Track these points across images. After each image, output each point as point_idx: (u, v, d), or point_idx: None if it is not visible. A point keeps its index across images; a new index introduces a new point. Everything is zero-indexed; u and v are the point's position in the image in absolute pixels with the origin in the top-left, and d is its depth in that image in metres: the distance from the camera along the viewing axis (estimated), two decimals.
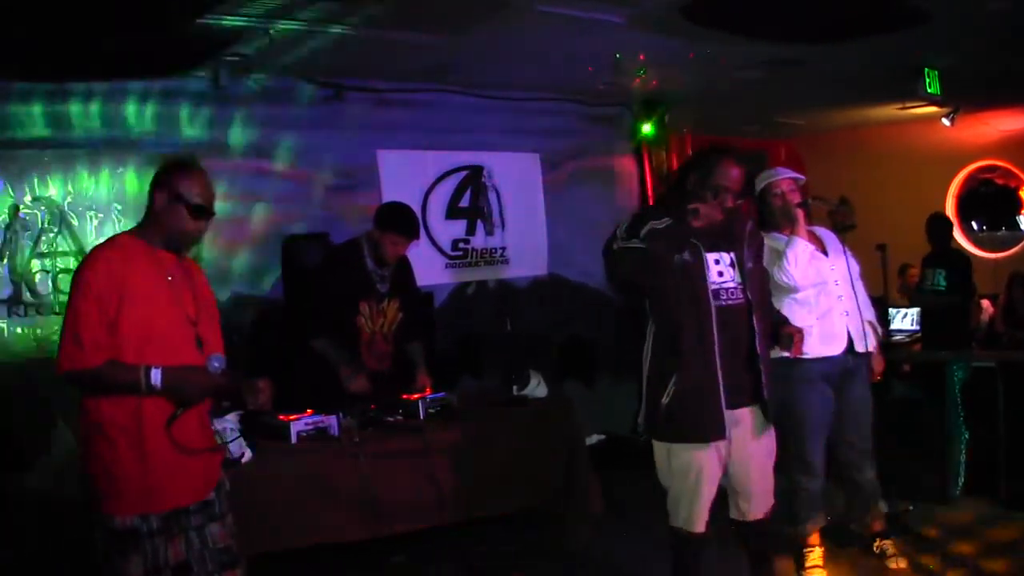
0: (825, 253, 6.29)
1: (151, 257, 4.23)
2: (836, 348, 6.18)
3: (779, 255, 6.09)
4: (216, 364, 4.20)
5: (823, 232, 6.47)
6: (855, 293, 6.27)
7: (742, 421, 5.12)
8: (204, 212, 4.33)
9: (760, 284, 5.31)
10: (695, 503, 5.09)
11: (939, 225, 10.02)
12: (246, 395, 4.45)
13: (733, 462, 5.15)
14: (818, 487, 6.29)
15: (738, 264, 5.15)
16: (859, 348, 6.22)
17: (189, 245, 4.44)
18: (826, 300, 6.19)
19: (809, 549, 6.32)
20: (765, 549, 5.48)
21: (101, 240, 4.53)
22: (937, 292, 9.66)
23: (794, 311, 6.03)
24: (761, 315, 5.17)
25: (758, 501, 5.28)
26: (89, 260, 4.14)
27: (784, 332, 5.36)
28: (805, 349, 5.73)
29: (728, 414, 5.02)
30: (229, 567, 4.39)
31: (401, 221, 6.72)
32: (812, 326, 6.04)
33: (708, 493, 5.11)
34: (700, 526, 5.13)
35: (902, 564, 6.40)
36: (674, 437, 5.10)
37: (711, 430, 5.01)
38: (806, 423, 6.15)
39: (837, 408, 6.25)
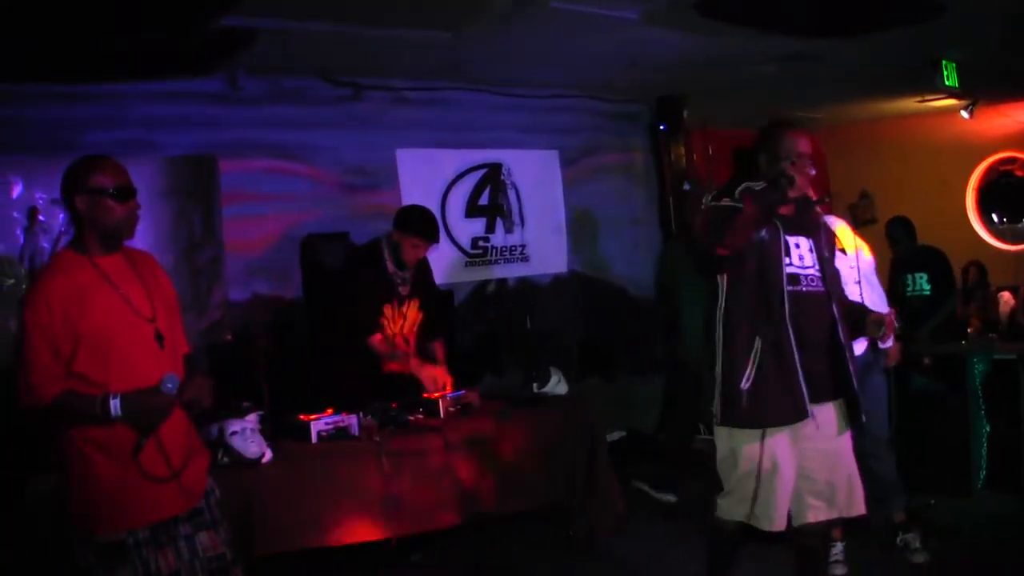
0: (843, 249, 6.22)
1: (93, 270, 4.13)
2: (859, 346, 6.14)
3: None
4: (169, 386, 4.03)
5: (838, 225, 6.45)
6: (871, 288, 6.26)
7: (820, 417, 4.92)
8: (128, 193, 4.24)
9: (835, 275, 5.14)
10: (771, 496, 4.88)
11: (905, 226, 9.73)
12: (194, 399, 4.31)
13: (811, 459, 4.96)
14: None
15: (816, 250, 5.01)
16: (882, 345, 6.26)
17: (127, 232, 4.28)
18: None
19: (831, 544, 6.31)
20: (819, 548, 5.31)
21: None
22: (923, 296, 9.39)
23: None
24: (840, 304, 5.03)
25: (845, 497, 5.05)
26: (32, 292, 4.07)
27: (872, 319, 5.07)
28: None
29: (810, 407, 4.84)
30: (221, 574, 4.34)
31: (421, 224, 6.71)
32: None
33: (787, 486, 4.91)
34: (780, 523, 4.93)
35: (924, 558, 6.40)
36: (756, 422, 4.87)
37: (793, 412, 4.82)
38: None
39: None
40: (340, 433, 5.91)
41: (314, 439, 5.82)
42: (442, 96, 9.44)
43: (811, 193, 5.01)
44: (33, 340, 3.96)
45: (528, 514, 6.64)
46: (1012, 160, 13.10)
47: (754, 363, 4.83)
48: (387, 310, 6.69)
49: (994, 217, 13.39)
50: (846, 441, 5.06)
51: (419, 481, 5.88)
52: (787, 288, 4.84)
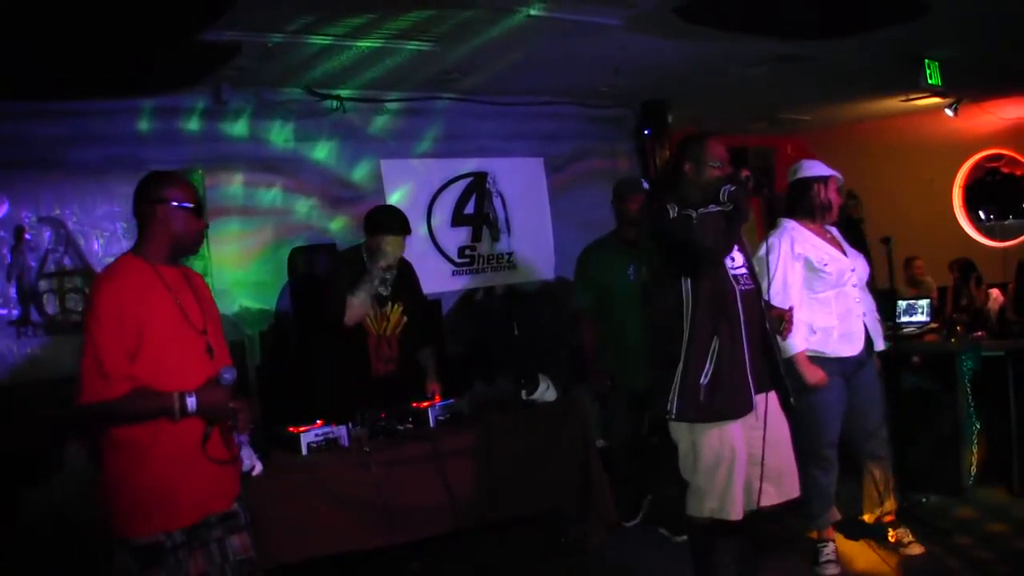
0: (844, 253, 6.35)
1: (156, 277, 4.28)
2: (855, 348, 6.27)
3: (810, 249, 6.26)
4: (227, 376, 4.26)
5: (835, 231, 6.52)
6: (866, 294, 6.38)
7: (767, 404, 5.21)
8: (202, 211, 4.46)
9: (755, 272, 5.44)
10: (730, 486, 5.13)
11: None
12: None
13: (767, 445, 5.18)
14: (832, 481, 6.35)
15: (743, 251, 5.35)
16: (878, 347, 6.39)
17: (197, 247, 4.56)
18: (844, 301, 6.27)
19: (823, 544, 6.35)
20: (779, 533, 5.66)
21: (108, 259, 4.57)
22: None
23: (815, 311, 6.20)
24: (763, 301, 5.39)
25: (790, 480, 5.38)
26: (100, 291, 4.17)
27: (773, 315, 5.44)
28: (826, 349, 6.12)
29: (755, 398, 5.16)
30: None
31: (387, 220, 6.76)
32: (833, 327, 6.21)
33: (741, 474, 5.15)
34: (738, 512, 5.16)
35: (919, 549, 6.42)
36: (714, 416, 5.11)
37: (746, 404, 5.12)
38: (822, 418, 6.22)
39: (849, 399, 6.31)
40: (330, 444, 5.92)
41: (304, 451, 5.83)
42: (426, 106, 9.46)
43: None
44: (103, 338, 4.05)
45: (522, 520, 6.64)
46: (998, 157, 13.15)
47: (712, 360, 5.08)
48: (370, 310, 6.71)
49: (981, 214, 13.43)
50: (787, 428, 5.38)
51: (411, 490, 5.88)
52: (737, 288, 5.17)
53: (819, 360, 6.14)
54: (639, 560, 5.96)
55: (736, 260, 5.27)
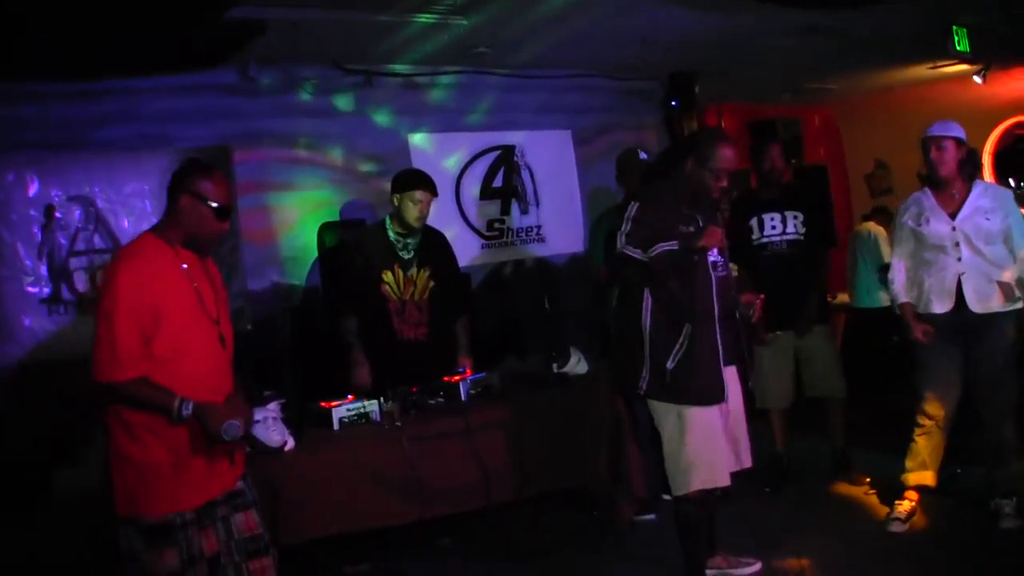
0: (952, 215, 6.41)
1: (175, 258, 4.30)
2: (943, 306, 6.40)
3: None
4: (227, 436, 4.23)
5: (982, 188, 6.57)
6: (984, 253, 6.36)
7: (732, 378, 5.53)
8: (227, 214, 4.42)
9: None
10: (716, 456, 5.41)
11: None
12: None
13: (727, 416, 5.52)
14: (927, 438, 6.55)
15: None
16: (973, 308, 6.33)
17: (213, 246, 4.51)
18: (943, 258, 6.38)
19: (900, 501, 6.56)
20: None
21: (136, 236, 4.57)
22: None
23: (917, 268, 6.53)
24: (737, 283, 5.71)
25: (746, 449, 5.69)
26: (118, 270, 4.17)
27: (744, 299, 5.64)
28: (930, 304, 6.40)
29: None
30: (257, 555, 4.44)
31: (411, 177, 6.82)
32: (927, 283, 6.47)
33: (725, 445, 5.48)
34: (726, 477, 5.45)
35: (1013, 524, 6.32)
36: (685, 399, 5.36)
37: (718, 393, 5.39)
38: (922, 372, 6.53)
39: (965, 363, 6.42)
40: (362, 419, 5.94)
41: (336, 426, 5.86)
42: (453, 80, 9.42)
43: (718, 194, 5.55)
44: (119, 318, 4.06)
45: (552, 495, 6.65)
46: None
47: (682, 345, 5.32)
48: (388, 275, 6.71)
49: (1011, 182, 13.32)
50: (743, 400, 5.75)
51: (442, 465, 5.90)
52: (712, 274, 5.39)
53: (923, 316, 6.51)
54: (672, 533, 5.95)
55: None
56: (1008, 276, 6.30)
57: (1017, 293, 6.34)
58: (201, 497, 4.26)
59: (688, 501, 5.42)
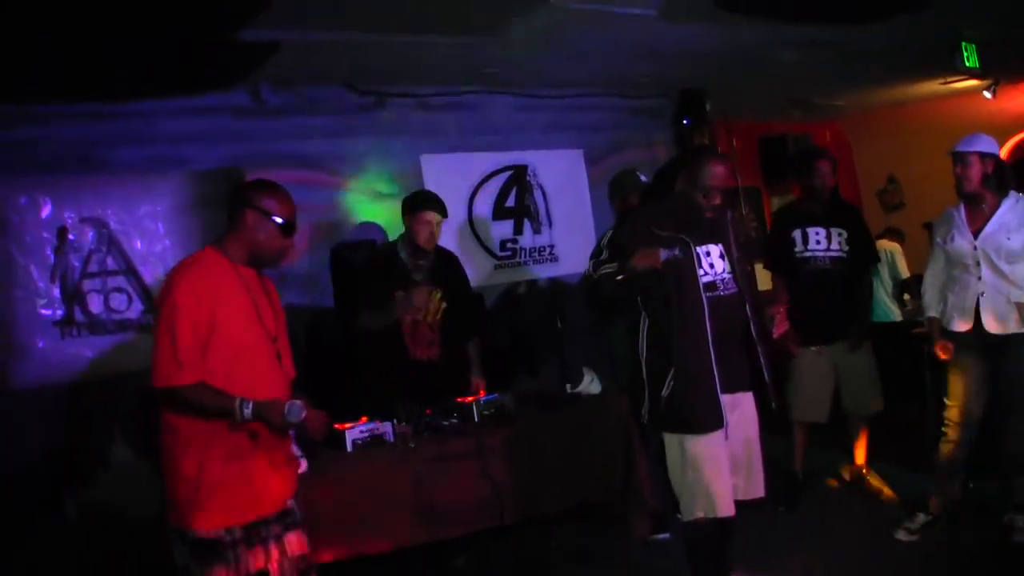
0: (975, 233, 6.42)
1: (235, 273, 4.36)
2: (964, 325, 6.44)
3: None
4: (292, 416, 4.31)
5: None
6: (1005, 273, 6.34)
7: (741, 404, 5.39)
8: (292, 229, 4.50)
9: (748, 273, 5.64)
10: (716, 485, 5.27)
11: None
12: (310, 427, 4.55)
13: (733, 442, 5.37)
14: (950, 452, 6.59)
15: (727, 255, 5.40)
16: (989, 329, 6.33)
17: (277, 262, 4.58)
18: (966, 277, 6.43)
19: (918, 513, 6.69)
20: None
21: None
22: None
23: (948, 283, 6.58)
24: (753, 301, 5.44)
25: (757, 479, 5.54)
26: (178, 279, 4.24)
27: (767, 312, 5.48)
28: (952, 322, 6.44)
29: (726, 399, 5.25)
30: (305, 575, 4.51)
31: (422, 198, 6.87)
32: (951, 300, 6.54)
33: (727, 473, 5.32)
34: (729, 507, 5.32)
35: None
36: (679, 428, 5.31)
37: (712, 421, 5.24)
38: (948, 385, 6.58)
39: (989, 378, 6.44)
40: (375, 441, 5.94)
41: (349, 448, 5.85)
42: (464, 100, 9.43)
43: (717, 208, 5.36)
44: (180, 323, 4.13)
45: (566, 513, 6.64)
46: None
47: (673, 371, 5.23)
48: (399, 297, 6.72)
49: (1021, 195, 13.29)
50: (757, 428, 5.52)
51: (456, 486, 5.89)
52: (705, 296, 5.22)
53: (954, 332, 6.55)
54: (684, 549, 5.95)
55: (716, 266, 5.34)
56: (1022, 296, 6.27)
57: None
58: (252, 514, 4.31)
59: (694, 525, 5.40)
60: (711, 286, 5.26)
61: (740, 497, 5.44)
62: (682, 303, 5.20)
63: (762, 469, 5.56)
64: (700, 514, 5.33)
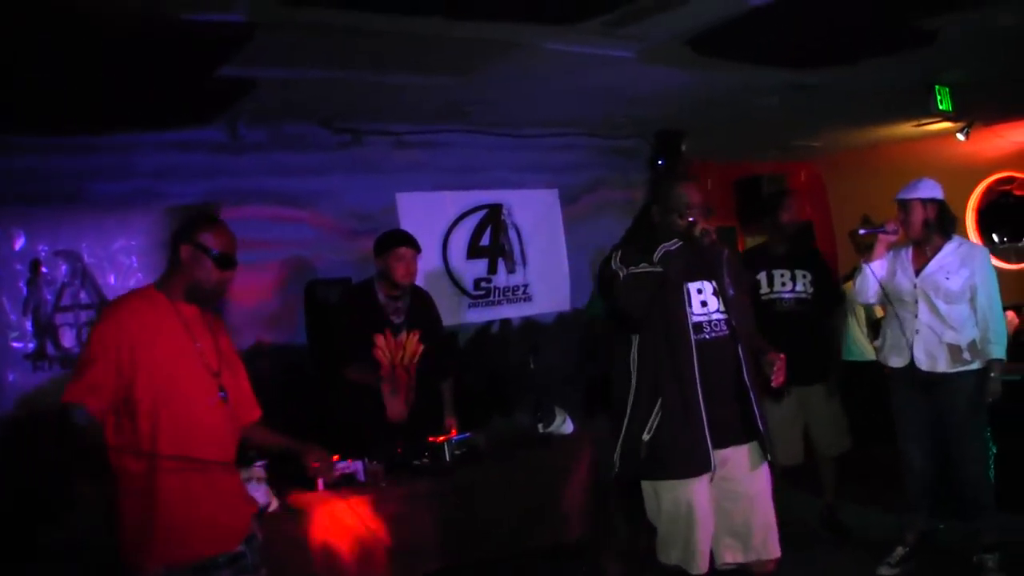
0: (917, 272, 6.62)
1: (170, 309, 4.32)
2: (899, 361, 6.65)
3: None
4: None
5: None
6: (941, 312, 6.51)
7: (733, 459, 5.13)
8: (228, 263, 4.45)
9: (743, 312, 5.30)
10: (691, 540, 5.03)
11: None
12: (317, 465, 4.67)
13: (729, 500, 5.14)
14: (909, 483, 6.75)
15: (720, 293, 5.17)
16: (920, 366, 6.52)
17: (215, 297, 4.55)
18: (904, 314, 6.61)
19: (895, 548, 6.77)
20: None
21: (123, 292, 4.61)
22: None
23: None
24: (747, 345, 5.17)
25: (763, 540, 5.20)
26: (104, 314, 4.31)
27: (766, 359, 5.17)
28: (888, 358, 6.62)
29: (716, 453, 5.01)
30: None
31: (394, 236, 6.92)
32: (889, 336, 6.78)
33: (704, 530, 5.05)
34: (702, 566, 5.05)
35: None
36: (660, 474, 5.08)
37: (696, 465, 4.99)
38: (896, 423, 6.78)
39: (934, 416, 6.58)
40: (346, 480, 5.92)
41: (320, 486, 5.82)
42: (441, 139, 9.44)
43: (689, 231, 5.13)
44: (92, 349, 4.12)
45: (539, 553, 6.62)
46: (1010, 180, 13.08)
47: (656, 416, 4.99)
48: (380, 340, 6.74)
49: (995, 237, 13.37)
50: (764, 483, 5.21)
51: (427, 525, 5.91)
52: (693, 338, 5.01)
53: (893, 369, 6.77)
54: None
55: (709, 304, 5.15)
56: (954, 338, 6.44)
57: (966, 356, 6.45)
58: (191, 552, 4.25)
59: (667, 570, 5.20)
60: (698, 327, 5.05)
61: (738, 559, 5.20)
62: (670, 342, 5.02)
63: (775, 527, 5.22)
64: (675, 562, 5.12)
